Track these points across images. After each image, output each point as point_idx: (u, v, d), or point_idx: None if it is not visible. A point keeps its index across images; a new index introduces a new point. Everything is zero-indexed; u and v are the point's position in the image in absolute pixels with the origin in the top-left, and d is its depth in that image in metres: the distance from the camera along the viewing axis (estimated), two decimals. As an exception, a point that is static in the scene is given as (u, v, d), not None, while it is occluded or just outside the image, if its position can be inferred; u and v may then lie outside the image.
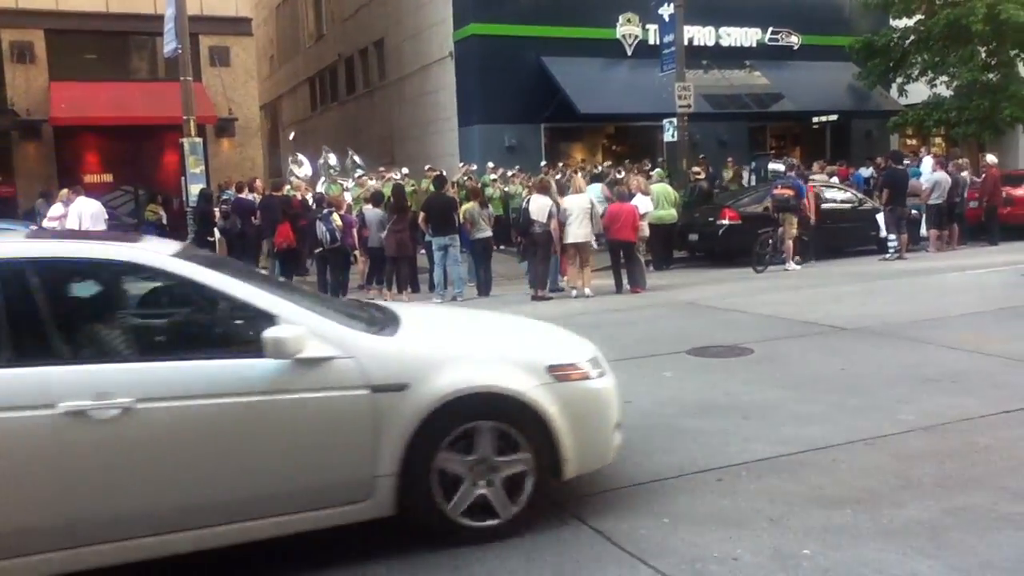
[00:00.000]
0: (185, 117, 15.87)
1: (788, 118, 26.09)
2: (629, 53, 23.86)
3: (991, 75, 21.97)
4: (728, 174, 21.65)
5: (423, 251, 14.40)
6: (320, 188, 18.36)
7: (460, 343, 4.45)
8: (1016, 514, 4.16)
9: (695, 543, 3.97)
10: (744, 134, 25.63)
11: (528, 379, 4.13)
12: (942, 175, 16.57)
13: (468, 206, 13.77)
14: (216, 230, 16.00)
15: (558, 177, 17.29)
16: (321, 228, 13.44)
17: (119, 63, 22.82)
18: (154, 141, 22.00)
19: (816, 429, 5.56)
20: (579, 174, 15.52)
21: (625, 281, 13.10)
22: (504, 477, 4.08)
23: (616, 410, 4.48)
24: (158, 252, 4.09)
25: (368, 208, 14.35)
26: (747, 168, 22.80)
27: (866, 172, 21.02)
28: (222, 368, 3.76)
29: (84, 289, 4.19)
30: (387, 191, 15.18)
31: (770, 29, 25.74)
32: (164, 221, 19.46)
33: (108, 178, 22.20)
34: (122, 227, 17.39)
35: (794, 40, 26.01)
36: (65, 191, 14.94)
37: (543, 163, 21.00)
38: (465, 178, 18.69)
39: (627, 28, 23.88)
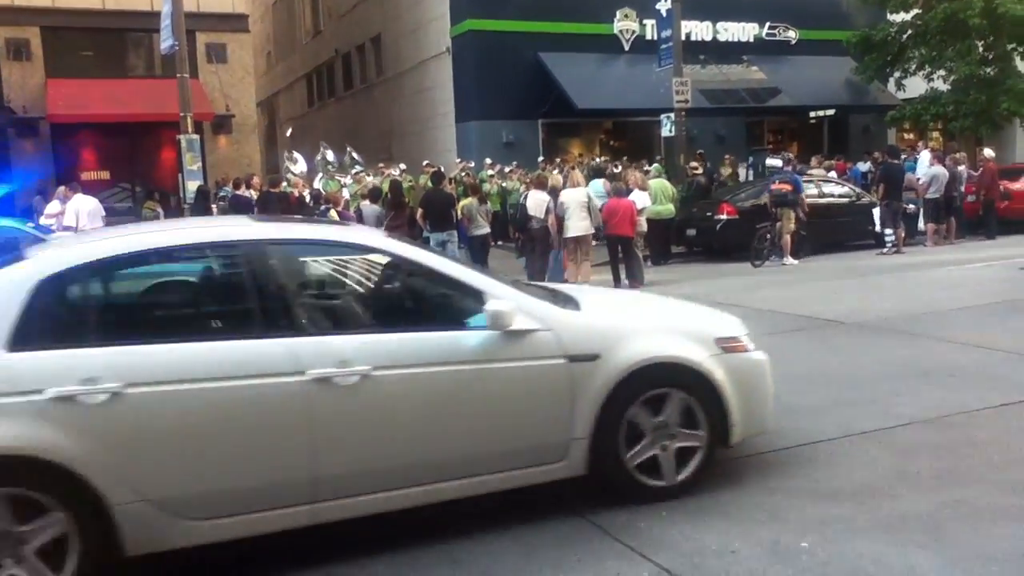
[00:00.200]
0: (182, 114, 15.85)
1: (785, 113, 26.07)
2: (626, 48, 23.85)
3: (988, 69, 21.99)
4: (726, 170, 21.65)
5: (421, 247, 14.37)
6: (317, 184, 18.35)
7: (639, 317, 4.87)
8: (1013, 507, 4.17)
9: (693, 536, 3.99)
10: (741, 129, 25.61)
11: (701, 350, 4.51)
12: (940, 169, 16.58)
13: (466, 202, 13.77)
14: (214, 227, 15.95)
15: (555, 172, 17.27)
16: (319, 225, 13.42)
17: (116, 60, 22.79)
18: (151, 138, 22.00)
19: (813, 422, 5.57)
20: (576, 169, 15.51)
21: (623, 276, 13.11)
22: (677, 448, 4.43)
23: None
24: (387, 237, 4.66)
25: (366, 204, 14.34)
26: (744, 164, 22.78)
27: (864, 167, 21.04)
28: (443, 339, 4.13)
29: (321, 268, 4.66)
30: (385, 187, 15.18)
31: (767, 24, 25.71)
32: (161, 218, 19.39)
33: (105, 175, 22.21)
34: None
35: (791, 35, 26.00)
36: (62, 188, 14.94)
37: (540, 159, 21.00)
38: (463, 174, 18.69)
39: (624, 23, 23.86)
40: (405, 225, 13.51)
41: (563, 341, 4.21)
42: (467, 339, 4.11)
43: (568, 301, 4.66)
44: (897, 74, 23.47)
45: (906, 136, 27.39)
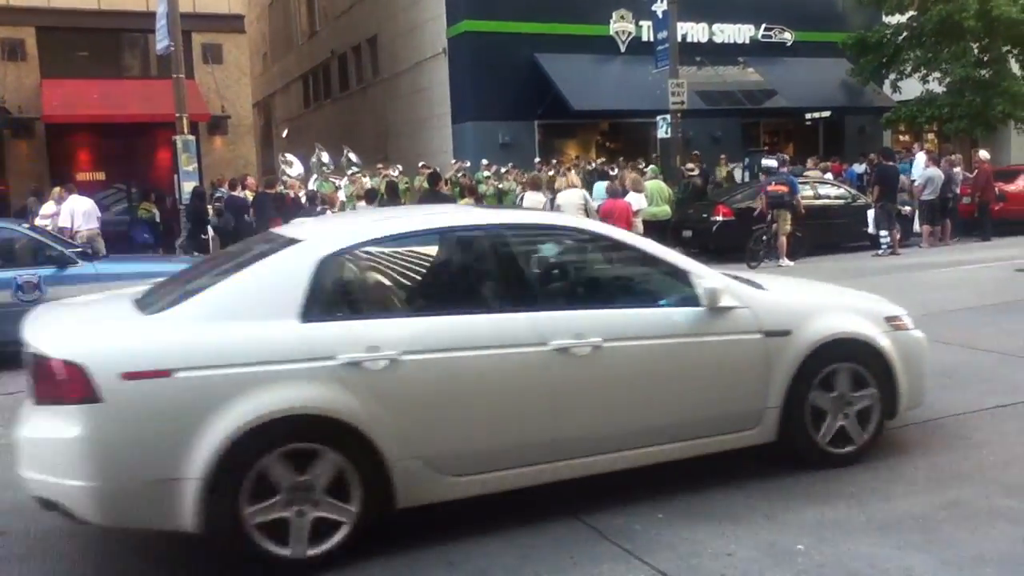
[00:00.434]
0: (178, 115, 15.83)
1: (781, 114, 26.10)
2: (623, 50, 23.86)
3: (983, 71, 22.03)
4: (722, 171, 21.67)
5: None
6: (312, 185, 18.33)
7: (820, 297, 5.35)
8: (1008, 508, 4.18)
9: (690, 538, 3.98)
10: (737, 130, 25.63)
11: (875, 327, 4.93)
12: (935, 171, 16.62)
13: (462, 203, 13.75)
14: (209, 228, 15.96)
15: (551, 174, 17.30)
16: (315, 225, 13.39)
17: (111, 60, 22.73)
18: (147, 139, 21.94)
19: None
20: (573, 171, 15.52)
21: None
22: (857, 410, 4.79)
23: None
24: (605, 224, 5.35)
25: (362, 205, 14.32)
26: (740, 165, 22.80)
27: (859, 168, 21.07)
28: (661, 314, 4.54)
29: (551, 250, 5.05)
30: (382, 188, 15.16)
31: (763, 25, 25.72)
32: (157, 219, 19.40)
33: (101, 176, 22.14)
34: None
35: (787, 36, 26.02)
36: (57, 189, 14.91)
37: (537, 160, 21.00)
38: (459, 175, 18.68)
39: (621, 25, 23.87)
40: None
41: (759, 317, 4.61)
42: (681, 314, 4.51)
43: (754, 283, 5.00)
44: (892, 76, 23.50)
45: (901, 138, 27.45)
